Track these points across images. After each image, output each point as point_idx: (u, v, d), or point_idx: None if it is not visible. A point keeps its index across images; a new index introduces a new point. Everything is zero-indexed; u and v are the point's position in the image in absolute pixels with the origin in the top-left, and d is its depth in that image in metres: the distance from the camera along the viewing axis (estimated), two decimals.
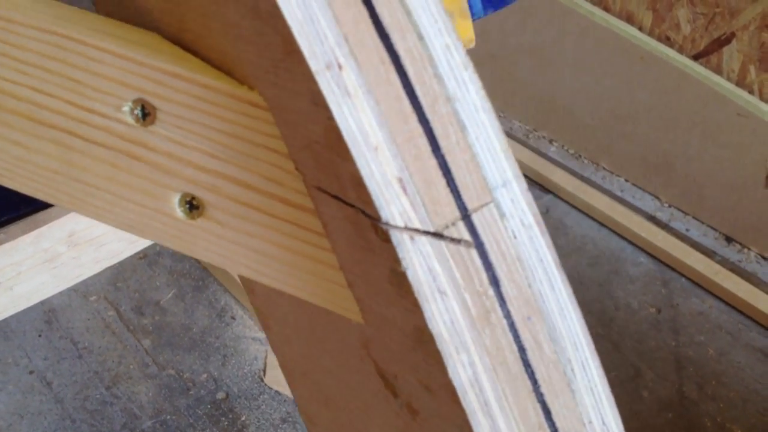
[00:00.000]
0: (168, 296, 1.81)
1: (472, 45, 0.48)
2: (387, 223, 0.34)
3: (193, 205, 0.39)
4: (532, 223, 0.37)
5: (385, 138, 0.34)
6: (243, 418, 1.61)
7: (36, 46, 0.39)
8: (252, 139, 0.38)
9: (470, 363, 0.35)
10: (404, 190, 0.34)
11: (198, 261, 1.89)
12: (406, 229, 0.34)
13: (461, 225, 0.35)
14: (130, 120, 0.38)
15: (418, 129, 0.35)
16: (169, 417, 1.59)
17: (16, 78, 0.40)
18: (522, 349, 0.36)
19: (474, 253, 0.36)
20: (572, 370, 0.38)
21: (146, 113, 0.38)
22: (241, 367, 1.69)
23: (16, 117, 0.40)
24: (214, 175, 0.38)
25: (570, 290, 0.38)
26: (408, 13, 0.35)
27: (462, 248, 0.35)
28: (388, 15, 0.35)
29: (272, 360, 1.73)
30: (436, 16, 0.36)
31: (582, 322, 0.38)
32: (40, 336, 1.71)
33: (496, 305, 0.36)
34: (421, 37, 0.35)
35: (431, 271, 0.34)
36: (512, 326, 0.36)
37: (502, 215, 0.36)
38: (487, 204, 0.36)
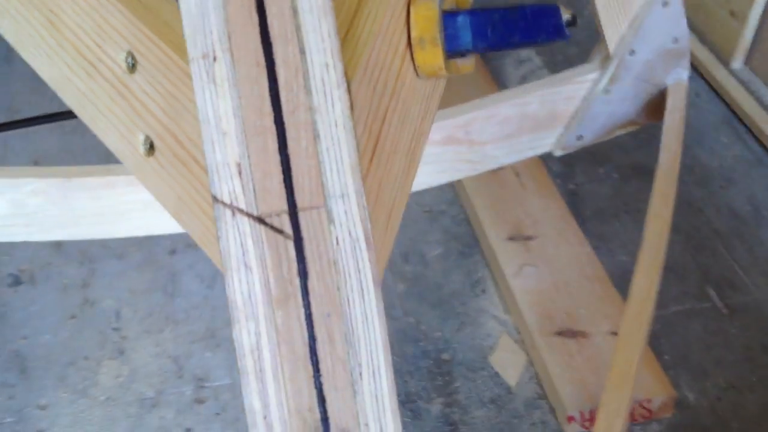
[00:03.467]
0: (435, 253, 1.94)
1: (442, 72, 0.50)
2: (215, 197, 0.41)
3: (151, 146, 0.49)
4: (359, 237, 0.41)
5: (236, 127, 0.41)
6: (456, 384, 1.70)
7: None
8: (185, 104, 0.46)
9: (256, 332, 0.41)
10: (239, 173, 0.41)
11: (472, 228, 1.99)
12: (230, 206, 0.41)
13: (285, 218, 0.41)
14: (123, 66, 0.49)
15: (272, 128, 0.41)
16: (395, 358, 1.73)
17: (74, 18, 0.53)
18: (312, 338, 0.41)
19: (290, 244, 0.41)
20: (360, 373, 0.42)
21: (133, 63, 0.49)
22: (473, 338, 1.77)
23: (71, 47, 0.53)
24: (162, 126, 0.48)
25: (381, 306, 0.42)
26: (297, 28, 0.41)
27: (280, 237, 0.41)
28: (277, 26, 0.41)
29: (504, 342, 1.78)
30: (325, 37, 0.41)
31: (385, 337, 0.42)
32: None
33: (298, 294, 0.41)
34: (302, 52, 0.41)
35: (243, 247, 0.41)
36: (309, 317, 0.41)
37: (331, 221, 0.41)
38: (317, 208, 0.41)
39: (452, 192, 2.09)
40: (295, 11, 0.41)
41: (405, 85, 0.48)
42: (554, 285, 1.81)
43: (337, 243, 0.41)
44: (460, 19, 0.50)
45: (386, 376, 0.41)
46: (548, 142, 1.43)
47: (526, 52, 2.62)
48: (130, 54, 0.49)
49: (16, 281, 1.86)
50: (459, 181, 2.08)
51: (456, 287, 1.88)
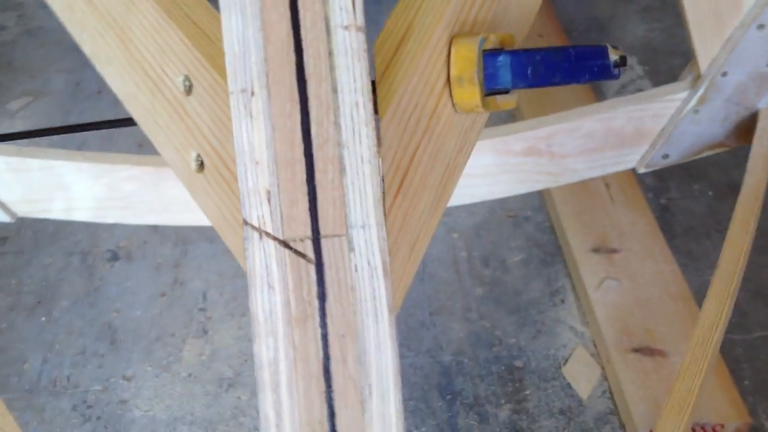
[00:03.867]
0: (515, 259, 1.95)
1: (479, 109, 0.52)
2: (245, 220, 0.44)
3: (201, 163, 0.53)
4: (377, 266, 0.44)
5: (268, 157, 0.44)
6: (527, 392, 1.70)
7: (150, 18, 0.56)
8: (231, 129, 0.50)
9: (274, 347, 0.45)
10: (269, 200, 0.44)
11: (556, 236, 1.98)
12: (258, 229, 0.44)
13: (309, 243, 0.45)
14: (181, 88, 0.53)
15: (301, 159, 0.44)
16: (466, 360, 1.76)
17: (141, 38, 0.57)
18: (327, 357, 0.45)
19: (312, 268, 0.44)
20: (370, 393, 0.45)
21: (189, 86, 0.53)
22: (547, 348, 1.77)
23: (138, 66, 0.57)
24: (211, 146, 0.52)
25: (394, 332, 0.45)
26: (331, 69, 0.44)
27: (302, 261, 0.45)
28: (312, 65, 0.44)
29: (580, 354, 1.78)
30: (357, 77, 0.44)
31: (396, 362, 0.45)
32: None
33: (316, 315, 0.45)
34: (335, 90, 0.44)
35: (267, 268, 0.44)
36: (324, 336, 0.45)
37: (351, 249, 0.44)
38: (339, 236, 0.44)
39: (539, 198, 2.09)
40: (330, 53, 0.44)
41: (440, 122, 0.51)
42: (636, 300, 1.79)
43: (356, 270, 0.43)
44: (501, 59, 0.52)
45: (394, 397, 0.44)
46: (632, 159, 1.42)
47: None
48: (187, 78, 0.53)
49: (114, 257, 1.97)
50: (547, 189, 2.07)
51: (535, 295, 1.88)
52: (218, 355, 1.75)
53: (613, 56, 0.56)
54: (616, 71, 0.57)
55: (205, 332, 1.80)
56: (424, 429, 1.64)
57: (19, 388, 1.69)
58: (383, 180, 0.44)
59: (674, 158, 1.43)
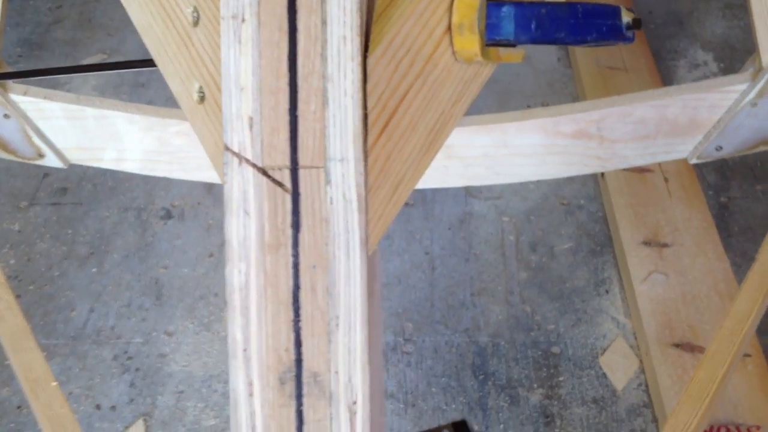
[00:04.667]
0: (564, 246, 1.92)
1: (479, 59, 0.52)
2: (226, 145, 0.45)
3: (202, 95, 0.54)
4: (353, 199, 0.45)
5: (253, 84, 0.45)
6: (561, 378, 1.69)
7: None
8: None
9: (246, 272, 0.45)
10: (250, 126, 0.45)
11: (608, 227, 1.95)
12: (238, 155, 0.45)
13: (287, 173, 0.45)
14: (189, 19, 0.54)
15: (285, 89, 0.45)
16: (503, 343, 1.75)
17: None
18: (297, 286, 0.45)
19: (288, 197, 0.45)
20: (337, 324, 0.45)
21: (196, 17, 0.54)
22: (587, 336, 1.75)
23: (156, 0, 0.59)
24: (212, 78, 0.53)
25: (365, 267, 0.45)
26: (322, 1, 0.45)
27: (279, 190, 0.45)
28: None
29: (618, 345, 1.75)
30: (347, 11, 0.45)
31: (364, 296, 0.45)
32: (449, 229, 1.97)
33: (289, 243, 0.45)
34: (324, 23, 0.45)
35: (244, 194, 0.45)
36: (296, 265, 0.45)
37: (328, 182, 0.45)
38: (317, 167, 0.45)
39: (594, 188, 2.06)
40: None
41: (437, 68, 0.50)
42: (682, 296, 1.75)
43: (331, 202, 0.44)
44: (504, 9, 0.51)
45: (361, 330, 0.44)
46: (684, 149, 1.38)
47: (703, 56, 2.51)
48: (195, 9, 0.54)
49: (168, 215, 2.01)
50: (603, 178, 2.04)
51: (579, 284, 1.85)
52: None
53: (626, 18, 0.55)
54: (629, 34, 0.55)
55: None
56: (453, 406, 1.64)
57: (64, 334, 1.75)
58: (367, 117, 0.44)
59: (728, 151, 1.39)
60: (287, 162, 0.44)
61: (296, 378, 0.44)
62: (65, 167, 1.32)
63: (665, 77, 2.35)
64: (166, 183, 2.07)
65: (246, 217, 0.44)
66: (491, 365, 1.70)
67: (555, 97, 2.31)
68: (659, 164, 2.06)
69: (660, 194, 1.97)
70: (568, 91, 2.36)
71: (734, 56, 2.48)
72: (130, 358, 1.70)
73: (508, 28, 0.51)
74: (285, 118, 0.44)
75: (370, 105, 0.46)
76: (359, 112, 0.43)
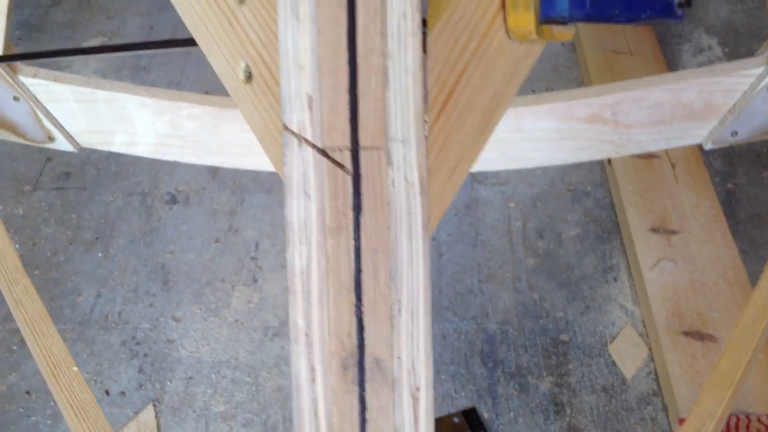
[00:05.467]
0: (571, 233, 1.92)
1: (533, 36, 0.50)
2: (285, 125, 0.44)
3: (249, 74, 0.53)
4: (415, 182, 0.44)
5: (312, 62, 0.44)
6: (570, 366, 1.68)
7: None
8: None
9: (307, 256, 0.44)
10: (310, 106, 0.44)
11: (615, 214, 1.94)
12: (298, 135, 0.44)
13: (347, 154, 0.44)
14: None
15: (345, 68, 0.44)
16: (511, 330, 1.74)
17: None
18: (358, 270, 0.44)
19: (349, 179, 0.44)
20: (399, 310, 0.44)
21: None
22: (595, 324, 1.74)
23: None
24: (260, 56, 0.51)
25: (428, 251, 0.44)
26: None
27: (340, 171, 0.44)
28: None
29: (628, 333, 1.75)
30: None
31: (427, 281, 0.44)
32: (455, 215, 1.96)
33: (350, 226, 0.44)
34: None
35: (304, 175, 0.44)
36: (357, 249, 0.44)
37: (390, 163, 0.44)
38: (377, 148, 0.44)
39: (601, 174, 2.05)
40: None
41: (491, 46, 0.49)
42: (691, 283, 1.75)
43: (393, 185, 0.43)
44: None
45: (423, 316, 0.43)
46: (699, 134, 1.38)
47: (707, 41, 2.50)
48: None
49: (173, 200, 1.99)
50: (609, 165, 2.03)
51: (587, 270, 1.85)
52: (266, 304, 1.77)
53: None
54: (679, 12, 0.54)
55: (255, 281, 1.82)
56: (463, 394, 1.64)
57: (71, 319, 1.73)
58: (427, 96, 0.43)
59: (743, 136, 1.38)
60: (347, 143, 0.43)
61: (359, 363, 0.43)
62: (76, 151, 1.30)
63: (670, 62, 2.34)
64: (170, 167, 2.05)
65: (306, 198, 0.43)
66: (500, 353, 1.70)
67: (560, 82, 2.30)
68: (666, 150, 2.05)
69: (667, 180, 1.96)
70: (572, 76, 2.35)
71: (738, 40, 2.47)
72: (138, 343, 1.69)
73: (563, 4, 0.50)
74: (345, 97, 0.43)
75: (429, 83, 0.45)
76: (420, 91, 0.42)
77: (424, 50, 0.43)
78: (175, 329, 1.72)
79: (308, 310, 0.44)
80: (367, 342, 0.44)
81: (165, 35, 2.44)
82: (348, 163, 0.43)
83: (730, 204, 1.98)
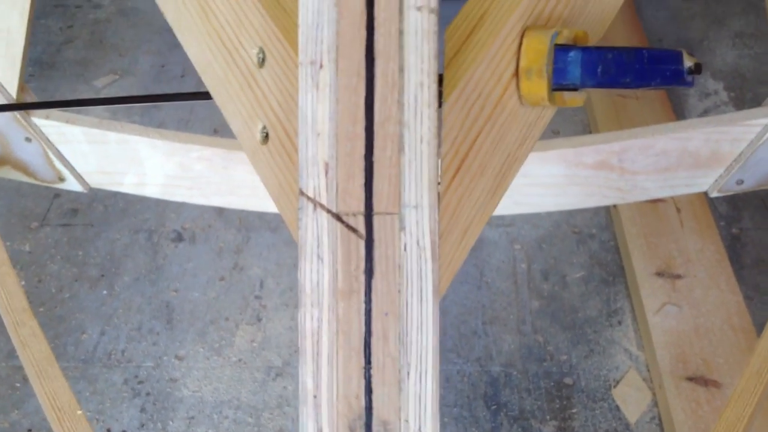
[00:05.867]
0: (576, 275, 1.92)
1: (545, 103, 0.52)
2: (301, 190, 0.45)
3: (266, 135, 0.54)
4: (427, 247, 0.44)
5: (330, 129, 0.45)
6: (574, 411, 1.68)
7: None
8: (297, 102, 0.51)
9: (318, 318, 0.45)
10: (326, 172, 0.45)
11: (620, 257, 1.95)
12: (313, 200, 0.45)
13: (361, 219, 0.45)
14: (255, 59, 0.54)
15: (362, 135, 0.45)
16: (515, 373, 1.74)
17: (221, 9, 0.58)
18: (369, 333, 0.45)
19: (362, 243, 0.45)
20: (408, 373, 0.45)
21: (262, 59, 0.54)
22: (599, 368, 1.74)
23: (216, 35, 0.58)
24: (278, 119, 0.52)
25: (437, 315, 0.45)
26: (400, 48, 0.45)
27: (353, 236, 0.45)
28: (382, 43, 0.45)
29: (631, 377, 1.75)
30: (424, 58, 0.44)
31: (437, 344, 0.45)
32: None
33: (362, 290, 0.45)
34: (401, 69, 0.45)
35: (318, 239, 0.45)
36: (368, 312, 0.45)
37: (402, 228, 0.45)
38: (391, 214, 0.45)
39: (606, 217, 2.06)
40: (401, 32, 0.44)
41: (504, 112, 0.50)
42: (695, 329, 1.75)
43: (405, 249, 0.44)
44: (572, 54, 0.52)
45: (432, 379, 0.44)
46: (705, 182, 1.39)
47: (713, 86, 2.52)
48: (261, 50, 0.54)
49: (179, 238, 2.00)
50: (615, 208, 2.04)
51: (592, 314, 1.85)
52: (269, 344, 1.77)
53: (688, 62, 0.55)
54: (689, 78, 0.55)
55: (259, 320, 1.82)
56: None
57: (75, 357, 1.73)
58: (441, 162, 0.44)
59: (749, 185, 1.39)
60: (362, 208, 0.44)
61: (366, 426, 0.44)
62: (85, 191, 1.31)
63: (676, 106, 2.36)
64: (177, 205, 2.07)
65: (320, 262, 0.44)
66: (504, 395, 1.70)
67: (566, 125, 2.32)
68: None
69: (672, 224, 1.97)
70: (578, 119, 2.36)
71: (745, 85, 2.49)
72: (141, 382, 1.69)
73: (575, 72, 0.51)
74: (360, 164, 0.44)
75: (443, 150, 0.46)
76: (435, 159, 0.43)
77: (439, 119, 0.44)
78: (178, 368, 1.72)
79: (317, 372, 0.44)
80: (375, 404, 0.44)
81: (176, 73, 2.47)
82: (361, 227, 0.44)
83: (735, 249, 1.98)
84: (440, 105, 0.45)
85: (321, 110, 0.44)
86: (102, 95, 2.37)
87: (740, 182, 1.36)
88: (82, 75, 2.50)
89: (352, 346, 0.44)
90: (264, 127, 0.55)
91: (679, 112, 2.35)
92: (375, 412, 0.45)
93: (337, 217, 0.44)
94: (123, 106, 2.30)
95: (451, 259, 0.47)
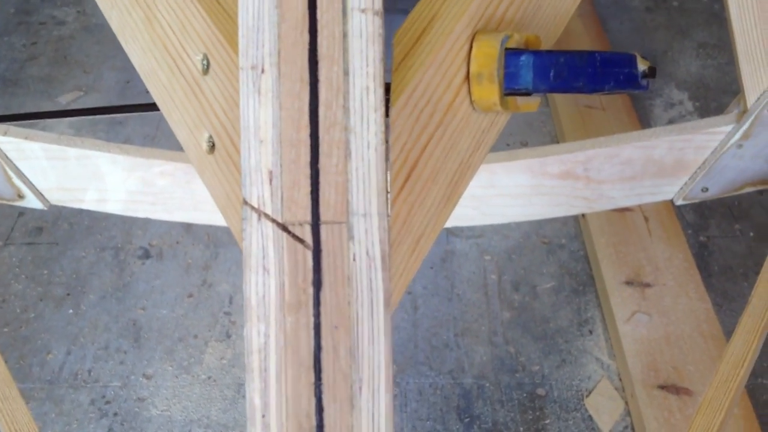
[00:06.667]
0: (546, 285, 1.91)
1: (497, 108, 0.51)
2: (244, 200, 0.43)
3: (212, 144, 0.53)
4: (377, 257, 0.43)
5: (273, 136, 0.43)
6: (547, 422, 1.67)
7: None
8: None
9: (265, 333, 0.43)
10: (270, 180, 0.43)
11: (590, 266, 1.95)
12: (257, 210, 0.43)
13: (307, 228, 0.43)
14: (199, 66, 0.53)
15: (307, 141, 0.43)
16: (487, 384, 1.73)
17: (165, 16, 0.57)
18: (318, 347, 0.43)
19: (309, 254, 0.43)
20: (360, 388, 0.43)
21: (207, 65, 0.52)
22: (571, 378, 1.73)
23: (160, 43, 0.57)
24: (223, 127, 0.51)
25: (389, 327, 0.43)
26: (345, 51, 0.43)
27: (300, 246, 0.43)
28: (325, 47, 0.43)
29: (604, 387, 1.74)
30: (369, 61, 0.43)
31: (389, 358, 0.43)
32: (431, 268, 1.96)
33: (310, 302, 0.43)
34: (346, 73, 0.43)
35: (263, 250, 0.43)
36: (317, 326, 0.43)
37: (351, 238, 0.43)
38: (339, 223, 0.43)
39: (575, 227, 2.06)
40: (345, 35, 0.43)
41: (456, 117, 0.49)
42: (665, 337, 1.74)
43: (354, 259, 0.42)
44: (523, 58, 0.51)
45: (385, 395, 0.42)
46: (670, 190, 1.39)
47: (678, 96, 2.54)
48: (206, 56, 0.53)
49: (146, 254, 1.97)
50: (584, 218, 2.04)
51: (563, 323, 1.84)
52: (239, 360, 1.75)
53: (642, 66, 0.54)
54: (644, 82, 0.55)
55: (228, 336, 1.79)
56: None
57: (40, 378, 1.70)
58: (390, 169, 0.43)
59: (714, 192, 1.39)
60: (308, 217, 0.42)
61: None
62: (45, 209, 1.29)
63: (641, 116, 2.37)
64: (144, 222, 2.04)
65: (265, 274, 0.42)
66: (476, 408, 1.68)
67: (534, 136, 2.32)
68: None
69: (640, 233, 1.97)
70: (546, 130, 2.37)
71: (709, 95, 2.51)
72: (108, 402, 1.66)
73: (527, 77, 0.50)
74: (306, 171, 0.42)
75: (392, 157, 0.44)
76: (383, 165, 0.42)
77: (386, 124, 0.43)
78: (146, 387, 1.69)
79: (265, 390, 0.43)
80: (326, 422, 0.43)
81: (141, 89, 2.44)
82: (308, 237, 0.42)
83: (702, 257, 1.99)
84: (388, 110, 0.44)
85: (263, 116, 0.42)
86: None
87: (705, 190, 1.36)
88: (47, 92, 2.47)
89: (302, 362, 0.43)
90: (210, 137, 0.53)
91: (645, 122, 2.36)
92: (326, 430, 0.43)
93: (283, 227, 0.43)
94: (88, 124, 2.27)
95: (403, 270, 0.46)
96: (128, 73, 2.52)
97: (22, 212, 2.04)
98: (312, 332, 0.43)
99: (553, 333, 1.81)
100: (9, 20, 2.71)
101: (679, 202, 1.41)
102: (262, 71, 0.42)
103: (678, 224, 1.96)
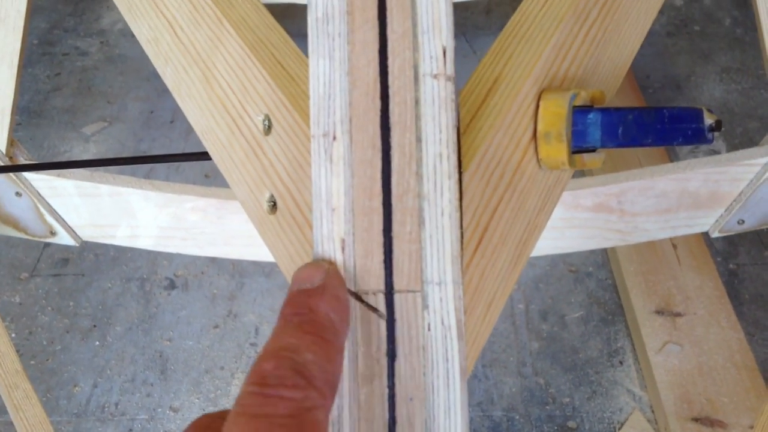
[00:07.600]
0: (575, 315, 1.90)
1: (565, 167, 0.50)
2: None
3: (274, 204, 0.52)
4: (452, 325, 0.42)
5: (345, 204, 0.43)
6: None
7: (235, 55, 0.55)
8: (308, 173, 0.49)
9: (338, 405, 0.42)
10: (343, 249, 0.43)
11: (618, 295, 1.93)
12: None
13: (381, 297, 0.43)
14: (260, 127, 0.52)
15: (379, 209, 0.43)
16: (518, 417, 1.71)
17: (225, 75, 0.56)
18: (393, 420, 0.42)
19: (383, 324, 0.42)
20: None
21: (268, 126, 0.52)
22: (603, 410, 1.71)
23: (219, 102, 0.57)
24: (286, 188, 0.50)
25: (465, 398, 0.42)
26: (417, 118, 0.43)
27: (374, 316, 0.43)
28: (397, 113, 0.43)
29: (636, 419, 1.72)
30: (443, 128, 0.42)
31: (466, 430, 0.42)
32: None
33: (384, 374, 0.42)
34: (419, 140, 0.43)
35: None
36: (391, 398, 0.42)
37: (426, 307, 0.42)
38: (413, 291, 0.42)
39: (602, 255, 2.04)
40: (417, 101, 0.42)
41: (524, 177, 0.49)
42: (698, 367, 1.72)
43: (429, 329, 0.41)
44: (591, 116, 0.50)
45: None
46: (706, 222, 1.37)
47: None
48: (267, 117, 0.52)
49: (171, 285, 1.97)
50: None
51: (593, 354, 1.82)
52: None
53: (709, 120, 0.53)
54: (710, 135, 0.54)
55: None
56: None
57: (68, 411, 1.69)
58: (463, 235, 0.42)
59: (750, 224, 1.38)
60: (382, 286, 0.42)
61: None
62: (77, 245, 1.29)
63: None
64: (169, 253, 2.03)
65: None
66: None
67: None
68: None
69: (670, 262, 1.96)
70: None
71: (734, 120, 2.50)
72: None
73: (595, 135, 0.49)
74: (379, 239, 0.41)
75: (465, 222, 0.43)
76: (457, 232, 0.41)
77: (460, 190, 0.42)
78: (172, 420, 1.68)
79: None
80: None
81: (166, 119, 2.45)
82: (382, 306, 0.42)
83: (733, 285, 1.96)
84: (460, 175, 0.43)
85: (335, 184, 0.42)
86: (91, 142, 2.35)
87: (741, 222, 1.35)
88: (71, 122, 2.48)
89: None
90: (271, 196, 0.52)
91: (670, 149, 2.34)
92: None
93: (356, 296, 0.42)
94: (113, 153, 2.28)
95: (476, 337, 0.45)
96: (151, 104, 2.53)
97: (48, 244, 2.04)
98: (386, 404, 0.42)
99: (583, 364, 1.79)
100: (32, 51, 2.73)
101: (715, 234, 1.40)
102: (334, 138, 0.41)
103: (707, 252, 1.95)
